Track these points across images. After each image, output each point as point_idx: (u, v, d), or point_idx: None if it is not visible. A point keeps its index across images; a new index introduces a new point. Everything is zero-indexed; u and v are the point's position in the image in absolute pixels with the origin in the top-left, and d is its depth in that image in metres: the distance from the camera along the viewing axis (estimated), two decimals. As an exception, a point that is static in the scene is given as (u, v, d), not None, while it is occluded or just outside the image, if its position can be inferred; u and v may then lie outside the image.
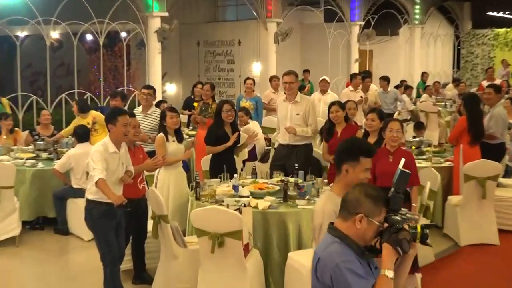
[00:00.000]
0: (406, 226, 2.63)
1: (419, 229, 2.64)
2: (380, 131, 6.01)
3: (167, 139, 6.36)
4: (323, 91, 11.08)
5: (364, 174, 3.35)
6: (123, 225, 5.23)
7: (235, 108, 7.26)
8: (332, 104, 6.99)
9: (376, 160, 5.57)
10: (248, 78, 10.85)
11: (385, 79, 12.83)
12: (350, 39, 17.27)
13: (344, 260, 2.59)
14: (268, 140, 9.66)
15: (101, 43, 11.98)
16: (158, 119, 7.07)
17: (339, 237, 2.67)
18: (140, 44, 16.27)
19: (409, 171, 2.79)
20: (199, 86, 10.57)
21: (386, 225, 2.66)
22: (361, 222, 2.65)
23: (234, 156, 7.17)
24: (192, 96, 11.00)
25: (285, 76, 7.06)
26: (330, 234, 2.72)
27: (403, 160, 2.98)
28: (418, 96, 16.07)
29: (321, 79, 11.23)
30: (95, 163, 4.87)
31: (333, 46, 16.60)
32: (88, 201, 5.05)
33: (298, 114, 7.04)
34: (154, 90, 7.90)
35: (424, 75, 18.16)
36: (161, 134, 6.38)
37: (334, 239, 2.68)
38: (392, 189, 2.73)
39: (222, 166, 6.54)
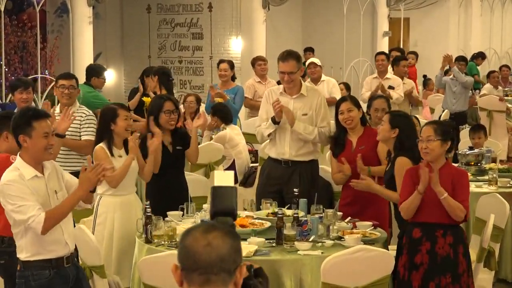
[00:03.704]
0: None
1: None
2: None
3: (111, 153, 6.25)
4: (314, 80, 11.09)
5: None
6: None
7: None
8: (342, 100, 6.92)
9: (416, 181, 5.56)
10: (222, 61, 10.90)
11: (463, 60, 12.91)
12: (376, 1, 17.39)
13: None
14: (253, 153, 9.71)
15: (1, 7, 12.00)
16: (84, 122, 7.08)
17: None
18: (62, 10, 16.28)
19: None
20: (154, 80, 10.20)
21: None
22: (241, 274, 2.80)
23: (185, 176, 7.18)
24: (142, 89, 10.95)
25: (282, 63, 6.96)
26: None
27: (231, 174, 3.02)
28: (475, 86, 16.18)
29: (308, 62, 11.27)
30: (15, 200, 4.59)
31: (350, 12, 16.67)
32: (21, 265, 4.77)
33: (305, 115, 7.03)
34: (77, 80, 7.91)
35: (480, 56, 18.00)
36: (101, 145, 6.26)
37: None
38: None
39: (168, 191, 6.70)
